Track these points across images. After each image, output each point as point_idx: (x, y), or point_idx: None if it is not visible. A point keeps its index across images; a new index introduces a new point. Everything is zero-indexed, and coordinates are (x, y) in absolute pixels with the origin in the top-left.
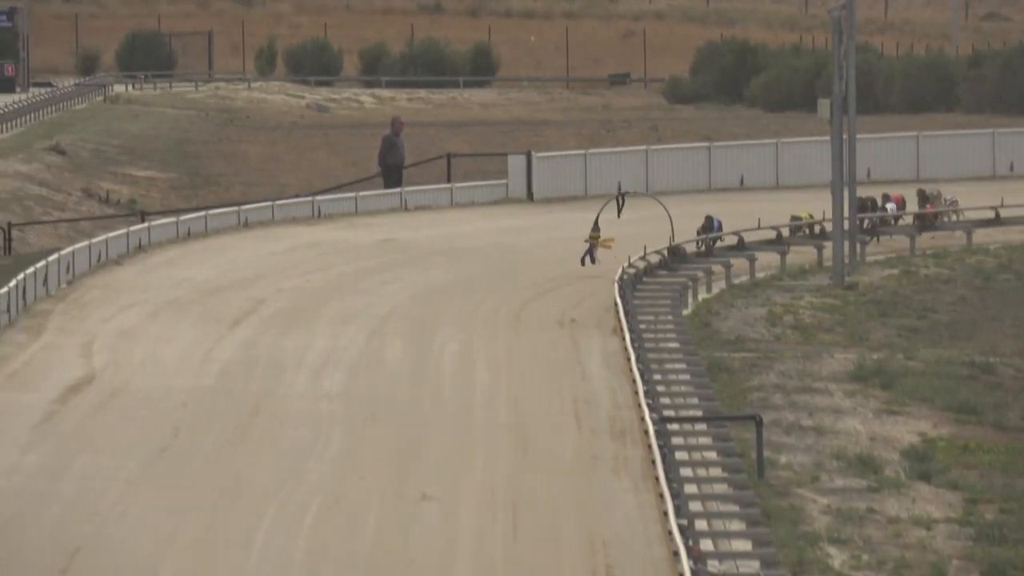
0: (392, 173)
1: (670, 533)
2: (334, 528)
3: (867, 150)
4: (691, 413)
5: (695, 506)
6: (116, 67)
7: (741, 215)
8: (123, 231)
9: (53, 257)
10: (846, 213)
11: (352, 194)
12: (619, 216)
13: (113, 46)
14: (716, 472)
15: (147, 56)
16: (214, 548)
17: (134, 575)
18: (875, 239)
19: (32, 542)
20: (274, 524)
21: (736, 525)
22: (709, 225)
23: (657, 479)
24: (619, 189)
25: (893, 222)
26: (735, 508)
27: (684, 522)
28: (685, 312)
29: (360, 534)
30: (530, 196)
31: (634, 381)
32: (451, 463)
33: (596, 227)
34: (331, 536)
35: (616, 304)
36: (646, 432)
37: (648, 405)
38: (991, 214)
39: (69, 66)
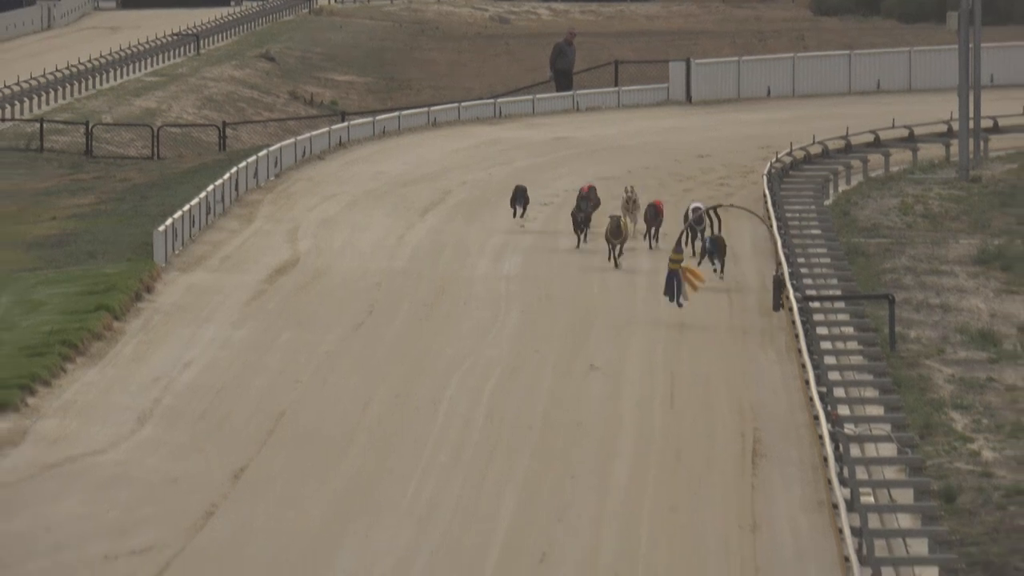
0: (562, 77)
1: (811, 399)
2: (511, 395)
3: (991, 58)
4: (831, 292)
5: (833, 375)
6: None
7: (878, 116)
8: (325, 129)
9: (263, 153)
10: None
11: (529, 97)
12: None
13: None
14: (852, 345)
15: None
16: (403, 413)
17: (333, 437)
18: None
19: (243, 407)
20: (457, 392)
21: (870, 392)
22: (698, 218)
23: (800, 351)
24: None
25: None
26: (869, 377)
27: (823, 390)
28: (827, 202)
29: (535, 400)
30: (689, 99)
31: (780, 263)
32: (616, 337)
33: (679, 247)
34: (509, 402)
35: (765, 195)
36: (790, 309)
37: (792, 285)
38: None
39: None
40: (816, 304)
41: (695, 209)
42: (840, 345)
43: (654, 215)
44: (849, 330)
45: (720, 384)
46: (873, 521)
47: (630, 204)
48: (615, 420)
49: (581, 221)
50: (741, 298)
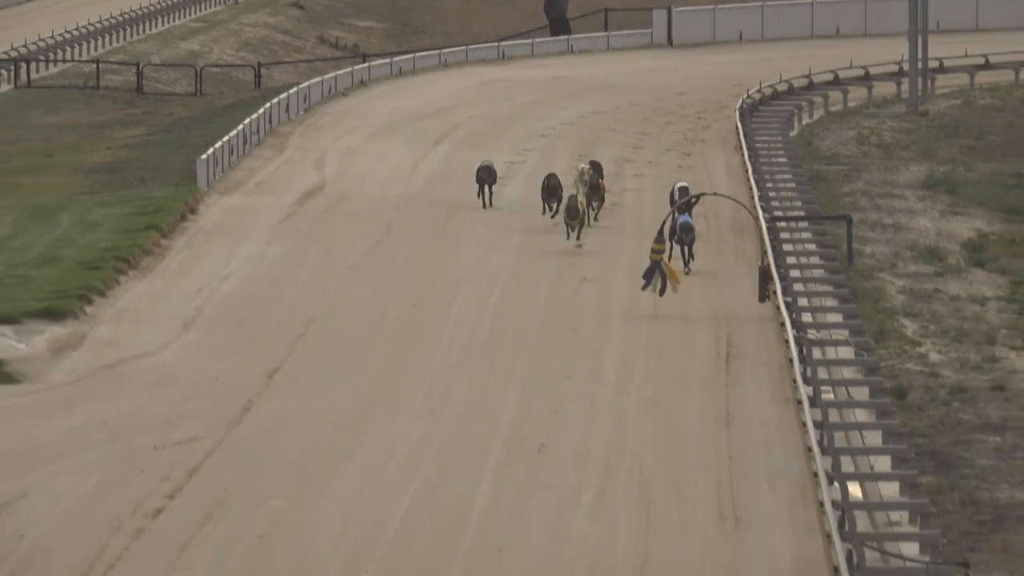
0: (556, 24)
1: (778, 308)
2: (513, 304)
3: (937, 6)
4: (795, 213)
5: (798, 287)
6: None
7: (837, 58)
8: (348, 69)
9: (293, 90)
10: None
11: (529, 40)
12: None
13: None
14: (815, 260)
15: None
16: (418, 320)
17: (356, 341)
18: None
19: (276, 314)
20: (466, 301)
21: (830, 302)
22: (683, 194)
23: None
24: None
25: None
26: (830, 288)
27: (789, 299)
28: (792, 134)
29: (534, 306)
30: (670, 42)
31: (751, 188)
32: (606, 253)
33: (660, 237)
34: (511, 308)
35: (737, 127)
36: (760, 229)
37: (762, 207)
38: None
39: None
40: (783, 224)
41: (682, 189)
42: (804, 260)
43: (594, 192)
44: (812, 247)
45: (698, 294)
46: (833, 415)
47: (582, 179)
48: (604, 325)
49: (553, 187)
50: (717, 218)
